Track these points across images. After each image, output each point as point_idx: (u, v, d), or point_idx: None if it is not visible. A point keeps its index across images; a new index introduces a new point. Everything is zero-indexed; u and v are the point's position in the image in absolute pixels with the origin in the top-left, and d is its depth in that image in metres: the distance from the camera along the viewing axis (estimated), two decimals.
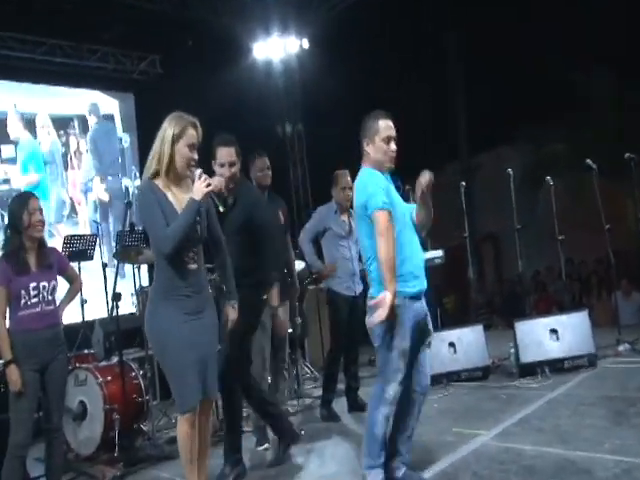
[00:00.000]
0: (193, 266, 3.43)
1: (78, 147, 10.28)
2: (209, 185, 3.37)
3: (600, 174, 7.12)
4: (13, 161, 9.50)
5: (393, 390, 3.51)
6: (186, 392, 3.35)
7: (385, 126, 3.66)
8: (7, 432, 3.91)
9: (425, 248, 7.67)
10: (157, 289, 3.47)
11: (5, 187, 9.37)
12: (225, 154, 4.29)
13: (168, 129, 3.42)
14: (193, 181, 3.43)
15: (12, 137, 9.48)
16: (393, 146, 3.67)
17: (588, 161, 7.05)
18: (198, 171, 3.41)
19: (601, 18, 10.97)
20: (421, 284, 3.64)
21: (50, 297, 4.08)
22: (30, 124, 9.67)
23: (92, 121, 10.46)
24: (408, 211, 3.74)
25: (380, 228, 3.44)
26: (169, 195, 3.41)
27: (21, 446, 3.88)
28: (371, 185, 3.56)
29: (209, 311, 3.54)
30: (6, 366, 3.89)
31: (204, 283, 3.56)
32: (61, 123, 10.10)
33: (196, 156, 3.47)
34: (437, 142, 13.34)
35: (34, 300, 3.98)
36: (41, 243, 4.10)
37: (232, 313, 3.71)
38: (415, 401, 3.67)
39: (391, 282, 3.36)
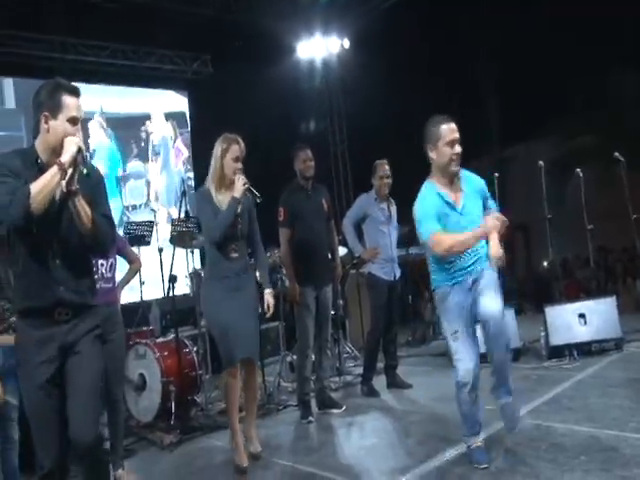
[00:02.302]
0: (235, 255, 4.03)
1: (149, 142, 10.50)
2: (245, 184, 3.98)
3: (628, 167, 6.96)
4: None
5: (460, 373, 3.51)
6: (228, 351, 3.95)
7: (448, 130, 3.55)
8: None
9: None
10: (208, 271, 4.16)
11: None
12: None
13: (217, 147, 4.06)
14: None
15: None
16: (457, 149, 3.55)
17: (616, 154, 6.90)
18: (240, 176, 3.99)
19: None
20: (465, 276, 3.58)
21: (109, 274, 4.09)
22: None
23: (159, 119, 10.62)
24: (468, 218, 3.58)
25: (441, 250, 3.44)
26: (218, 197, 4.02)
27: None
28: (419, 211, 3.54)
29: (248, 289, 4.09)
30: None
31: (244, 268, 4.10)
32: (134, 121, 10.29)
33: (240, 166, 4.03)
34: (471, 134, 13.18)
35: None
36: None
37: (269, 299, 4.20)
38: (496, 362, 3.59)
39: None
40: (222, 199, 4.00)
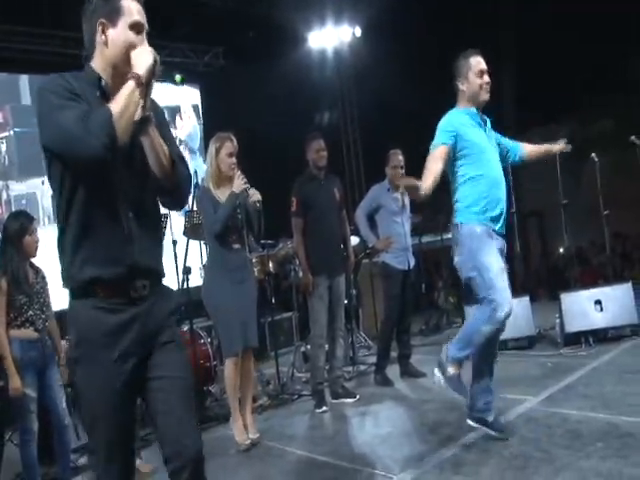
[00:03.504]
0: (236, 246, 4.23)
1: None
2: (246, 182, 4.15)
3: None
4: None
5: (502, 302, 3.46)
6: (231, 341, 4.17)
7: (476, 61, 3.71)
8: None
9: None
10: (210, 263, 4.34)
11: None
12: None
13: (211, 146, 4.28)
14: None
15: None
16: (486, 78, 3.72)
17: (633, 137, 6.78)
18: (238, 172, 4.17)
19: None
20: (495, 219, 3.63)
21: None
22: None
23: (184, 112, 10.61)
24: (495, 148, 3.78)
25: (428, 159, 3.57)
26: (218, 193, 4.22)
27: None
28: (442, 124, 3.67)
29: (249, 281, 4.33)
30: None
31: (246, 259, 4.33)
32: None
33: (234, 160, 4.20)
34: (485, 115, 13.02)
35: None
36: None
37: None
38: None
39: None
40: (221, 194, 4.21)
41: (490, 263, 3.51)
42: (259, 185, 4.37)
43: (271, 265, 6.30)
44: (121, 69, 1.97)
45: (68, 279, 2.00)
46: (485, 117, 3.84)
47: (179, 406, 1.97)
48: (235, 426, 4.29)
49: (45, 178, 8.81)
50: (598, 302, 6.01)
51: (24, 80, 9.13)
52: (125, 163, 1.96)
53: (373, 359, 5.89)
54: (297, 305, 6.89)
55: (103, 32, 1.98)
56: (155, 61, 1.93)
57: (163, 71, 1.99)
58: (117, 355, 1.93)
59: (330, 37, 11.41)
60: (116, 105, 1.85)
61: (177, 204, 2.24)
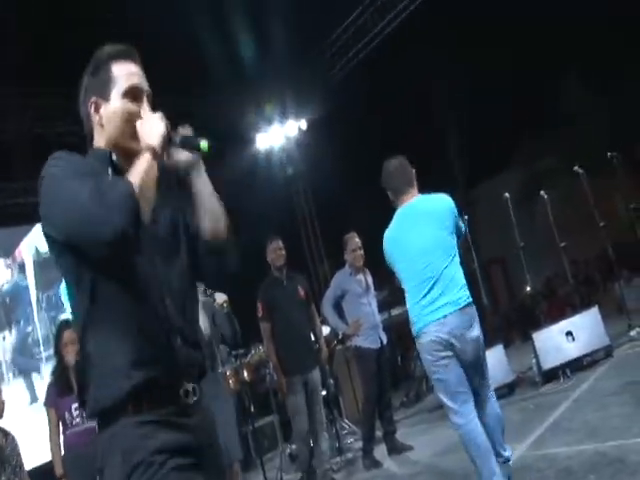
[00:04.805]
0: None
1: None
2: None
3: (589, 176, 7.22)
4: None
5: None
6: None
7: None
8: None
9: None
10: None
11: None
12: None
13: None
14: None
15: None
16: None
17: (576, 168, 7.16)
18: None
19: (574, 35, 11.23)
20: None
21: None
22: None
23: None
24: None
25: None
26: None
27: None
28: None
29: (222, 396, 4.21)
30: None
31: (216, 375, 4.28)
32: None
33: None
34: (437, 182, 13.41)
35: (77, 420, 4.03)
36: None
37: None
38: None
39: None
40: None
41: None
42: (224, 290, 4.39)
43: (245, 374, 6.34)
44: (126, 145, 1.72)
45: (102, 394, 1.59)
46: None
47: None
48: None
49: (6, 332, 8.76)
50: (569, 333, 6.16)
51: None
52: (152, 240, 1.68)
53: (360, 444, 5.83)
54: (277, 407, 6.82)
55: (96, 111, 1.74)
56: (167, 127, 1.69)
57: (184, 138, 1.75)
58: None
59: (277, 135, 11.67)
60: (134, 175, 1.58)
61: (230, 266, 1.86)
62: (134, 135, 1.69)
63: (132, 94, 1.74)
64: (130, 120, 1.71)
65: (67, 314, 9.16)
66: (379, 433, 5.69)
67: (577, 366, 5.98)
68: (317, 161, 11.72)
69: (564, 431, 4.37)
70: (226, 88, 10.29)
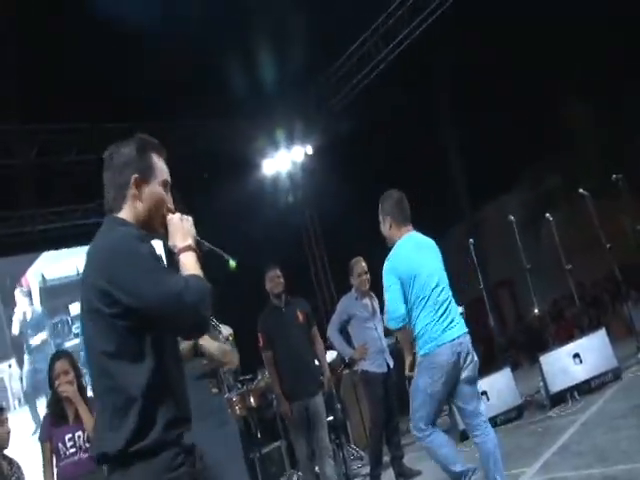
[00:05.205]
0: (215, 390, 3.99)
1: None
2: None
3: (594, 198, 7.27)
4: None
5: None
6: None
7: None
8: None
9: None
10: None
11: None
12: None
13: None
14: None
15: None
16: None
17: (581, 190, 7.22)
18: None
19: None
20: None
21: (86, 445, 4.04)
22: None
23: None
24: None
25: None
26: None
27: None
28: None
29: (230, 424, 4.10)
30: None
31: (222, 402, 4.16)
32: None
33: None
34: (442, 207, 13.45)
35: (72, 450, 4.00)
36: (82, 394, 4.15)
37: None
38: None
39: None
40: None
41: None
42: (229, 320, 4.43)
43: (252, 399, 6.33)
44: (153, 225, 2.03)
45: (135, 440, 1.82)
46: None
47: None
48: None
49: (12, 360, 8.78)
50: (577, 355, 6.17)
51: None
52: None
53: (367, 469, 5.83)
54: (284, 433, 6.81)
55: (137, 187, 2.00)
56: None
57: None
58: None
59: (283, 160, 11.79)
60: (198, 272, 1.92)
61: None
62: (162, 221, 2.03)
63: (166, 185, 2.06)
64: (162, 207, 2.04)
65: (71, 342, 9.23)
66: (387, 458, 5.69)
67: (585, 389, 5.98)
68: (322, 186, 11.85)
69: (573, 455, 4.37)
70: (237, 113, 10.44)
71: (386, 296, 3.78)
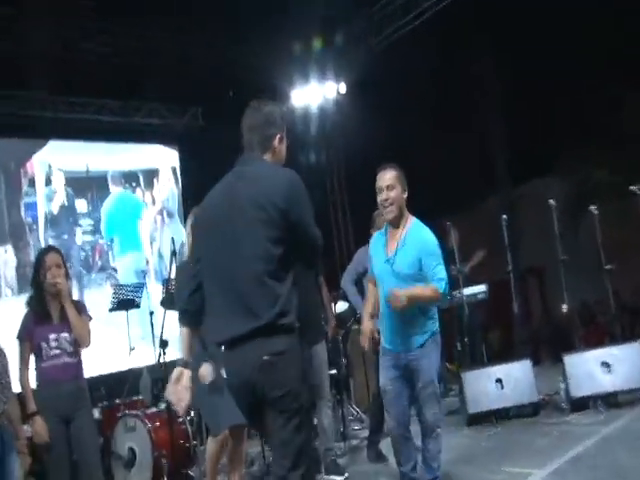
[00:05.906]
0: None
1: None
2: None
3: None
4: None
5: None
6: (215, 418, 4.07)
7: (378, 177, 4.00)
8: None
9: (468, 283, 7.49)
10: None
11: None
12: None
13: (189, 219, 4.34)
14: None
15: None
16: (384, 195, 3.94)
17: (632, 187, 6.81)
18: None
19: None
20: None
21: (72, 349, 3.95)
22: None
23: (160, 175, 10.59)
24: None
25: None
26: None
27: None
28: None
29: None
30: (30, 418, 3.80)
31: None
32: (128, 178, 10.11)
33: None
34: (477, 175, 13.10)
35: (56, 352, 3.89)
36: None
37: None
38: None
39: None
40: None
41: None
42: None
43: None
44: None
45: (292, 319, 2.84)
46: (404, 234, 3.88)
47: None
48: None
49: (9, 246, 8.65)
50: (605, 364, 5.87)
51: None
52: None
53: (366, 433, 5.69)
54: None
55: (280, 142, 2.74)
56: None
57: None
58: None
59: (314, 94, 11.43)
60: None
61: None
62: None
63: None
64: (283, 162, 2.80)
65: (67, 236, 9.13)
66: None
67: (611, 401, 5.69)
68: (352, 129, 11.36)
69: (588, 467, 4.15)
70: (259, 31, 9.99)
71: (441, 266, 3.75)
